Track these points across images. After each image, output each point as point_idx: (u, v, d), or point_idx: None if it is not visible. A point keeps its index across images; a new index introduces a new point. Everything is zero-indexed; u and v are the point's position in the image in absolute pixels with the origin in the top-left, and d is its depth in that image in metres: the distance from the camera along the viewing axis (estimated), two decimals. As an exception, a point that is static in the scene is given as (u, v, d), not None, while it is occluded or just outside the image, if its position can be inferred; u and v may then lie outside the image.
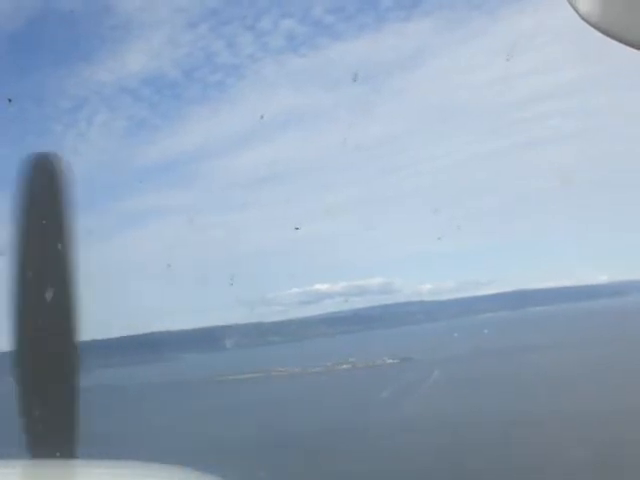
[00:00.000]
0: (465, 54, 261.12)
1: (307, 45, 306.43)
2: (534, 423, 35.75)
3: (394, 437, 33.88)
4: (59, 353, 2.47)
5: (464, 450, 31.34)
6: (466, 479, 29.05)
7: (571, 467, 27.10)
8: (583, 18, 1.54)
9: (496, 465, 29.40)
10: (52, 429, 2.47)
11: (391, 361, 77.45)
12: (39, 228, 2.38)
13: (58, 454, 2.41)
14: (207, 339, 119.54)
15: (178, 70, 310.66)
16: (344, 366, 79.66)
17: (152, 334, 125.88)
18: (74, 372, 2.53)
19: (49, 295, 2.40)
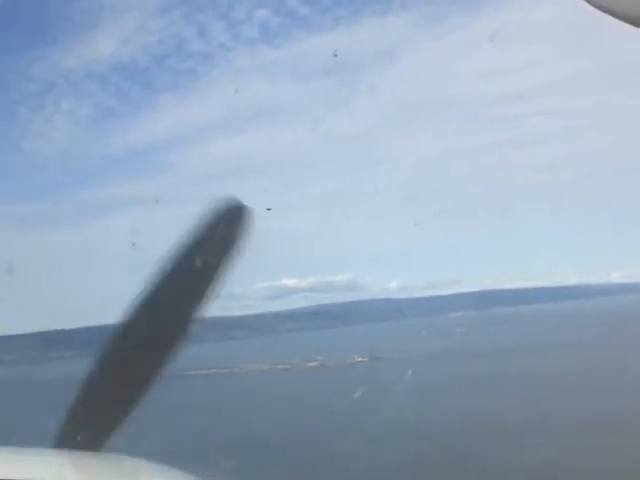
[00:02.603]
0: (444, 49, 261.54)
1: (281, 36, 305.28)
2: (509, 423, 35.26)
3: (368, 442, 32.21)
4: (149, 362, 2.55)
5: (444, 456, 29.92)
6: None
7: (550, 467, 26.60)
8: None
9: (474, 468, 28.38)
10: (98, 426, 2.50)
11: (361, 359, 75.60)
12: (203, 263, 2.48)
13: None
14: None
15: (148, 57, 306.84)
16: (312, 364, 77.60)
17: (112, 326, 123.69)
18: (150, 381, 2.55)
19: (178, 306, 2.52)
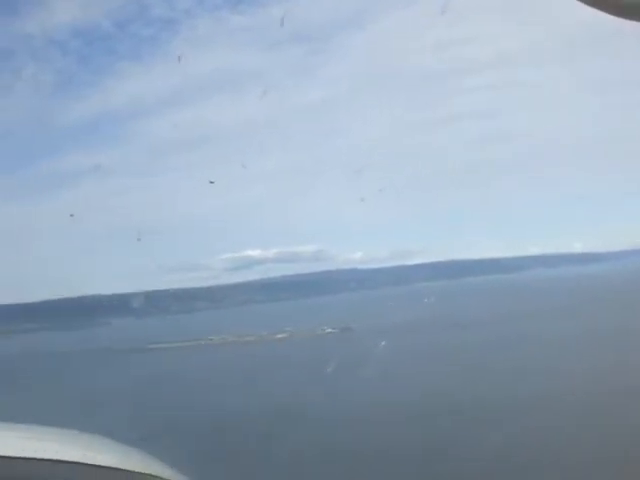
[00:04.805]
0: (401, 19, 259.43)
1: (246, 2, 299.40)
2: (485, 398, 34.93)
3: (348, 421, 31.35)
4: None
5: (424, 434, 29.38)
6: (417, 462, 27.16)
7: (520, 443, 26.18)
8: None
9: (448, 447, 27.93)
10: None
11: (330, 330, 74.84)
12: None
13: None
14: (136, 304, 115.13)
15: (110, 22, 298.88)
16: (280, 335, 76.64)
17: (80, 298, 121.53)
18: None
19: None
